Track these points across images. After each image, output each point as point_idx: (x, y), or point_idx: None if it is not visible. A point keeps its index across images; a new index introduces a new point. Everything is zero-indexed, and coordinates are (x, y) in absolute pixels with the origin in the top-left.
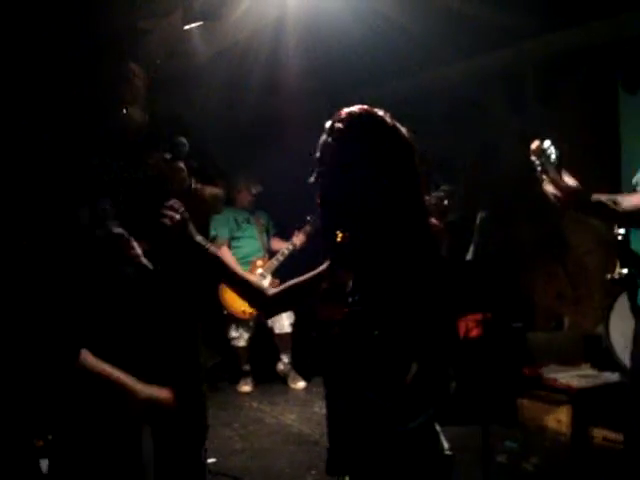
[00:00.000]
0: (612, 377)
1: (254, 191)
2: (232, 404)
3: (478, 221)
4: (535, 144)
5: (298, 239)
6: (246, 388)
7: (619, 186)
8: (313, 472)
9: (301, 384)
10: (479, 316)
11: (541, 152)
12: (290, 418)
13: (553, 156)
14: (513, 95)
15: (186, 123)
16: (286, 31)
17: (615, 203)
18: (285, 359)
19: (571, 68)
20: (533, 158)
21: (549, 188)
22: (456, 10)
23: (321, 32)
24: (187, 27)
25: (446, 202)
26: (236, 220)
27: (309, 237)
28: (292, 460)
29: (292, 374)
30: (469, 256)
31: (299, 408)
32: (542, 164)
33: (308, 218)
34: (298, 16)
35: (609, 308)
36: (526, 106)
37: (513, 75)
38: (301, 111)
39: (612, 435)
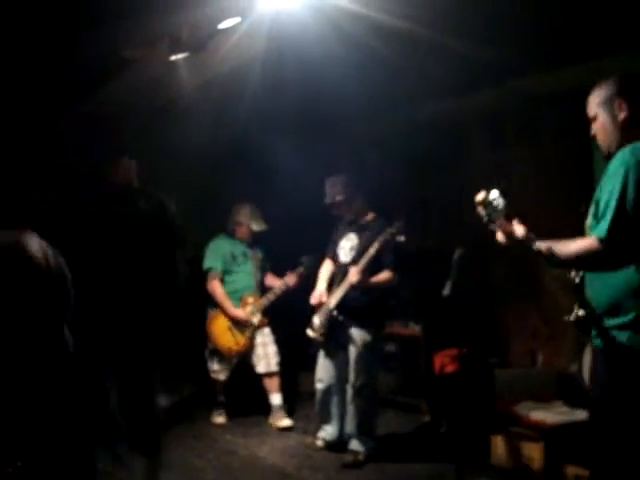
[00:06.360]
0: (585, 414)
1: (255, 228)
2: (206, 435)
3: (455, 258)
4: (481, 196)
5: (290, 279)
6: (220, 420)
7: None
8: None
9: (287, 422)
10: (455, 351)
11: (488, 203)
12: (263, 450)
13: (500, 207)
14: (494, 134)
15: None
16: (273, 65)
17: (552, 254)
18: (276, 400)
19: (550, 110)
20: (479, 209)
21: (499, 236)
22: (440, 46)
23: (310, 67)
24: (173, 58)
25: (402, 238)
26: (232, 253)
27: (301, 278)
28: None
29: (280, 413)
30: (446, 292)
31: (272, 440)
32: (489, 215)
33: (301, 259)
34: (285, 50)
35: (582, 346)
36: (506, 145)
37: (495, 114)
38: (286, 146)
39: (585, 472)
